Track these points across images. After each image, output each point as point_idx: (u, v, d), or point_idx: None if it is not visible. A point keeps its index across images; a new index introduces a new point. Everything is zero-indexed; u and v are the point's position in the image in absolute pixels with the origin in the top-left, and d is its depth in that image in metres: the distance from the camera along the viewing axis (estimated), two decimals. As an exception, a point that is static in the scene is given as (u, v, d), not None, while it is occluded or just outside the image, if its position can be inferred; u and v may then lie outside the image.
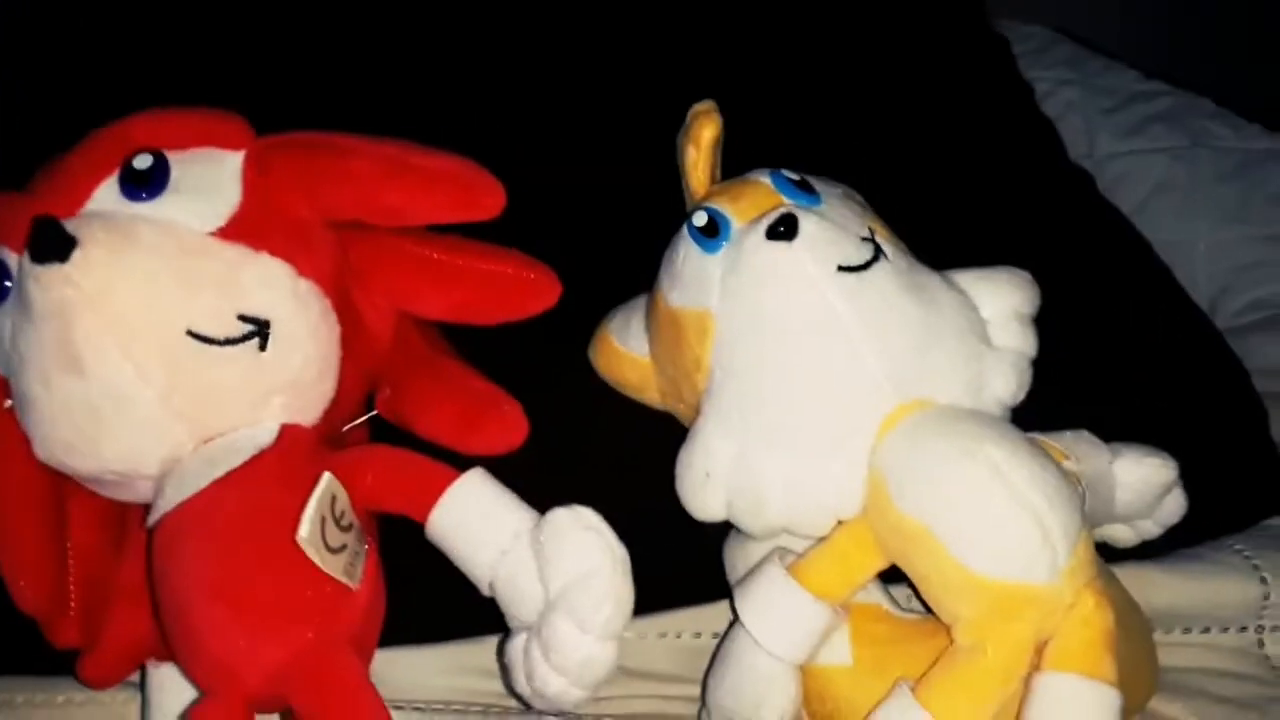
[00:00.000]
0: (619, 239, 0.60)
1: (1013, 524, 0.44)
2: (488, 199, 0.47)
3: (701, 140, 0.55)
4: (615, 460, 0.55)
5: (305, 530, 0.41)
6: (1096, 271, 0.71)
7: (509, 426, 0.49)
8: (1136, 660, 0.50)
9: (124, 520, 0.50)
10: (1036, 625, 0.45)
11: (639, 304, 0.57)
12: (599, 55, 0.77)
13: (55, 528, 0.47)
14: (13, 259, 0.44)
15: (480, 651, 0.55)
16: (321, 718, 0.41)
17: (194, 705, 0.42)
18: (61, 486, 0.47)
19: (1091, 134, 0.93)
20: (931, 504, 0.46)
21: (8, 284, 0.45)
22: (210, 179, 0.46)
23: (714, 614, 0.57)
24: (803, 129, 0.75)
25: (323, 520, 0.42)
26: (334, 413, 0.49)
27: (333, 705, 0.41)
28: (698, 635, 0.57)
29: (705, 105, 0.56)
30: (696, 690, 0.56)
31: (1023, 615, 0.45)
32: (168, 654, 0.47)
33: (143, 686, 0.49)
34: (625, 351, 0.57)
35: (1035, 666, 0.45)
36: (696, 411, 0.52)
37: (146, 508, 0.47)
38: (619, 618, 0.43)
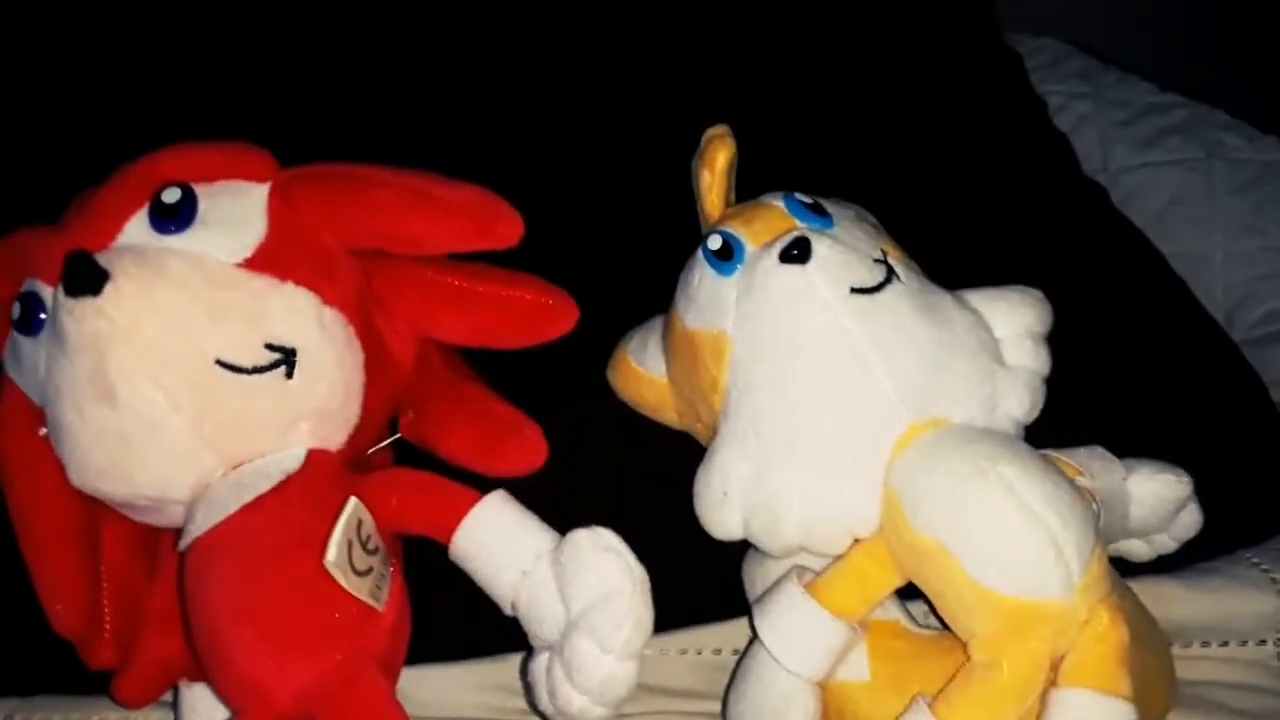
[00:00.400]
0: (634, 259, 0.61)
1: (1026, 541, 0.45)
2: (506, 228, 0.48)
3: (716, 164, 0.56)
4: (634, 481, 0.56)
5: (333, 554, 0.42)
6: (1111, 286, 0.71)
7: (529, 449, 0.50)
8: (1153, 674, 0.51)
9: (156, 544, 0.51)
10: (1051, 641, 0.45)
11: (656, 325, 0.58)
12: (614, 73, 0.78)
13: (90, 551, 0.48)
14: (47, 292, 0.46)
15: (505, 669, 0.55)
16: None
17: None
18: (95, 511, 0.49)
19: (1106, 147, 0.93)
20: (946, 522, 0.46)
21: (42, 316, 0.46)
22: (237, 211, 0.47)
23: (733, 631, 0.58)
24: (815, 145, 0.75)
25: (349, 544, 0.43)
26: (359, 437, 0.50)
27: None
28: (718, 652, 0.58)
29: (719, 130, 0.57)
30: (716, 706, 0.57)
31: (1038, 631, 0.45)
32: (199, 674, 0.48)
33: (175, 706, 0.50)
34: (643, 372, 0.58)
35: (1051, 682, 0.45)
36: (713, 432, 0.53)
37: (177, 532, 0.48)
38: (639, 638, 0.44)
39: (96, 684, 0.55)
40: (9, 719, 0.56)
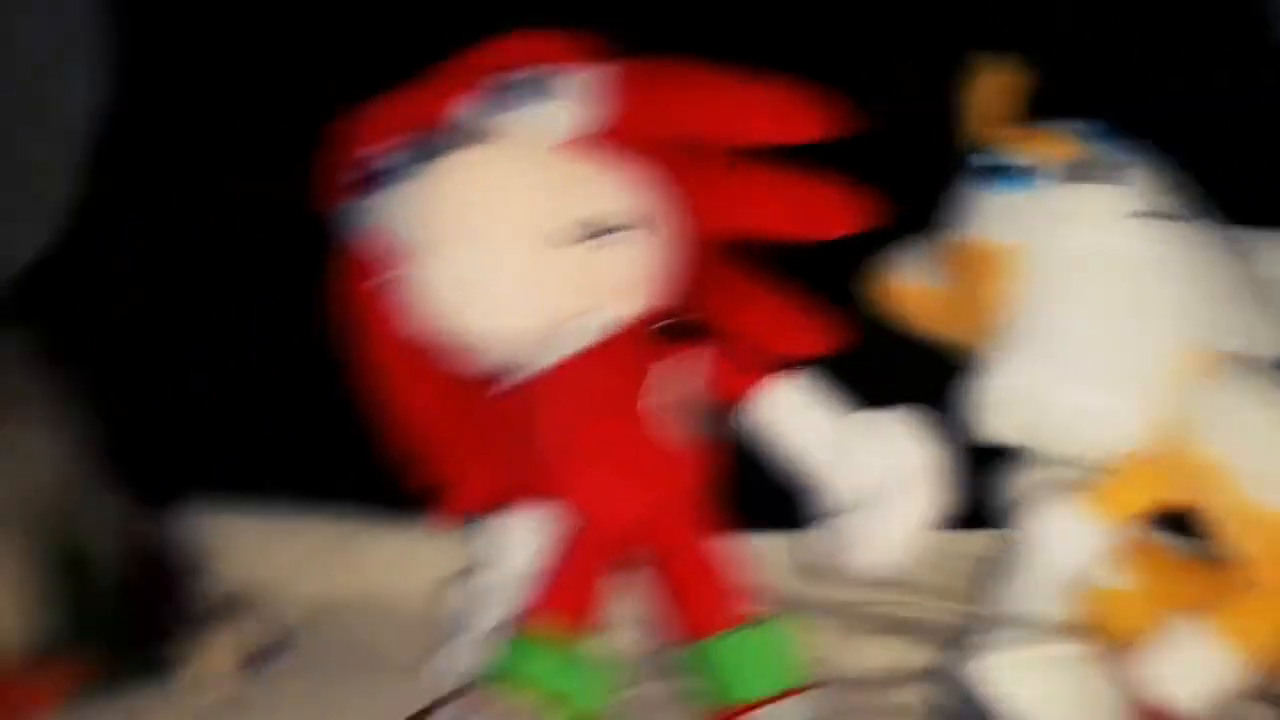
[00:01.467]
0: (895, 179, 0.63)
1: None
2: (833, 119, 0.51)
3: (1000, 85, 0.57)
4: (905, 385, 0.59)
5: (669, 393, 0.47)
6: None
7: (824, 332, 0.53)
8: None
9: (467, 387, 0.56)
10: (1327, 563, 0.47)
11: (926, 241, 0.60)
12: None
13: (426, 383, 0.54)
14: (405, 153, 0.51)
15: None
16: (681, 560, 0.46)
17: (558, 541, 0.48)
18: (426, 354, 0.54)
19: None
20: (1232, 444, 0.48)
21: (395, 174, 0.51)
22: (573, 95, 0.52)
23: (979, 540, 0.60)
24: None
25: (672, 392, 0.48)
26: (661, 310, 0.54)
27: (690, 549, 0.46)
28: (959, 557, 0.61)
29: (1001, 55, 0.59)
30: (955, 604, 0.60)
31: (1313, 552, 0.47)
32: (511, 503, 0.54)
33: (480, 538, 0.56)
34: (913, 285, 0.60)
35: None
36: (990, 342, 0.55)
37: (489, 378, 0.53)
38: (938, 503, 0.48)
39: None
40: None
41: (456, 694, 0.49)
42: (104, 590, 0.57)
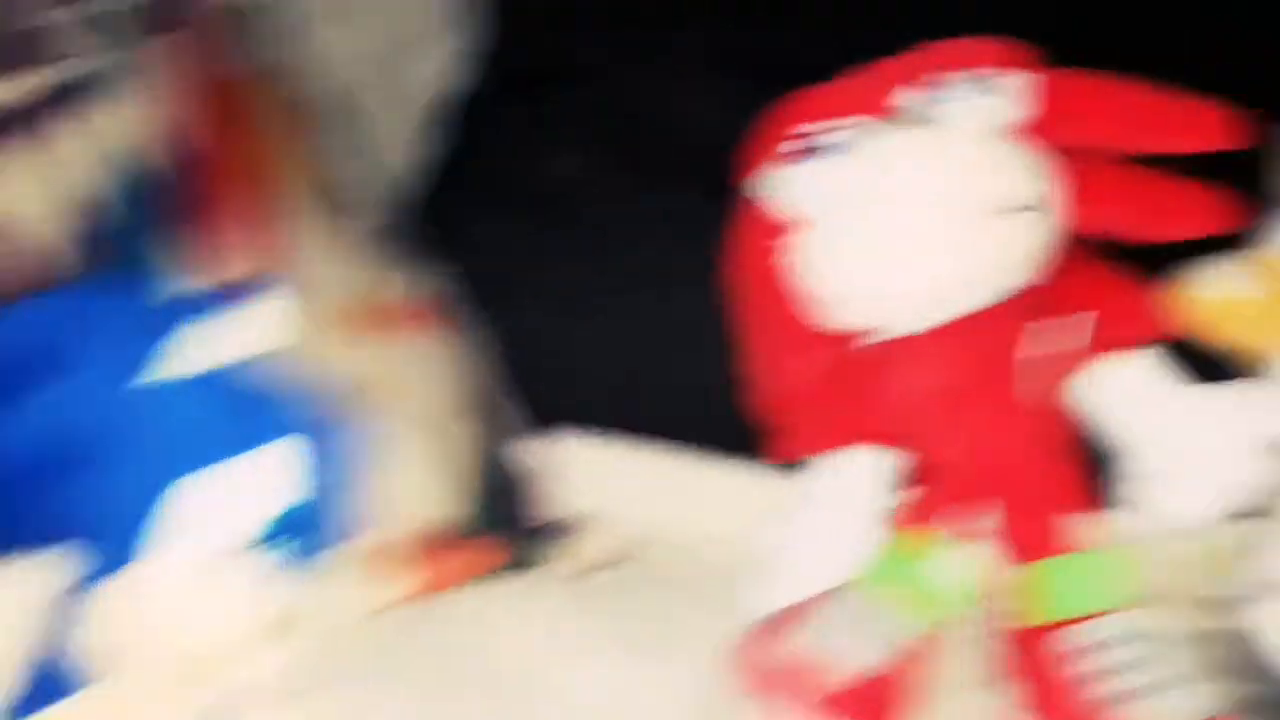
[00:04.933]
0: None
1: None
2: (1239, 130, 0.60)
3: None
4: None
5: (1028, 364, 0.57)
6: None
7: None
8: None
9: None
10: None
11: (1228, 255, 0.65)
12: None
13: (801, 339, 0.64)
14: (844, 129, 0.61)
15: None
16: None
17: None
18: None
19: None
20: None
21: (833, 146, 0.61)
22: (1001, 93, 0.61)
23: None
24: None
25: (1041, 359, 0.59)
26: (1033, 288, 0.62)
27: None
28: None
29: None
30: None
31: None
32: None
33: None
34: (1221, 298, 0.66)
35: None
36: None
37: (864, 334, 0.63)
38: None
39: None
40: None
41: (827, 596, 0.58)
42: (508, 487, 0.68)
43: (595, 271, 0.76)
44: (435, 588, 0.64)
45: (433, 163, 0.85)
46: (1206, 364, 0.64)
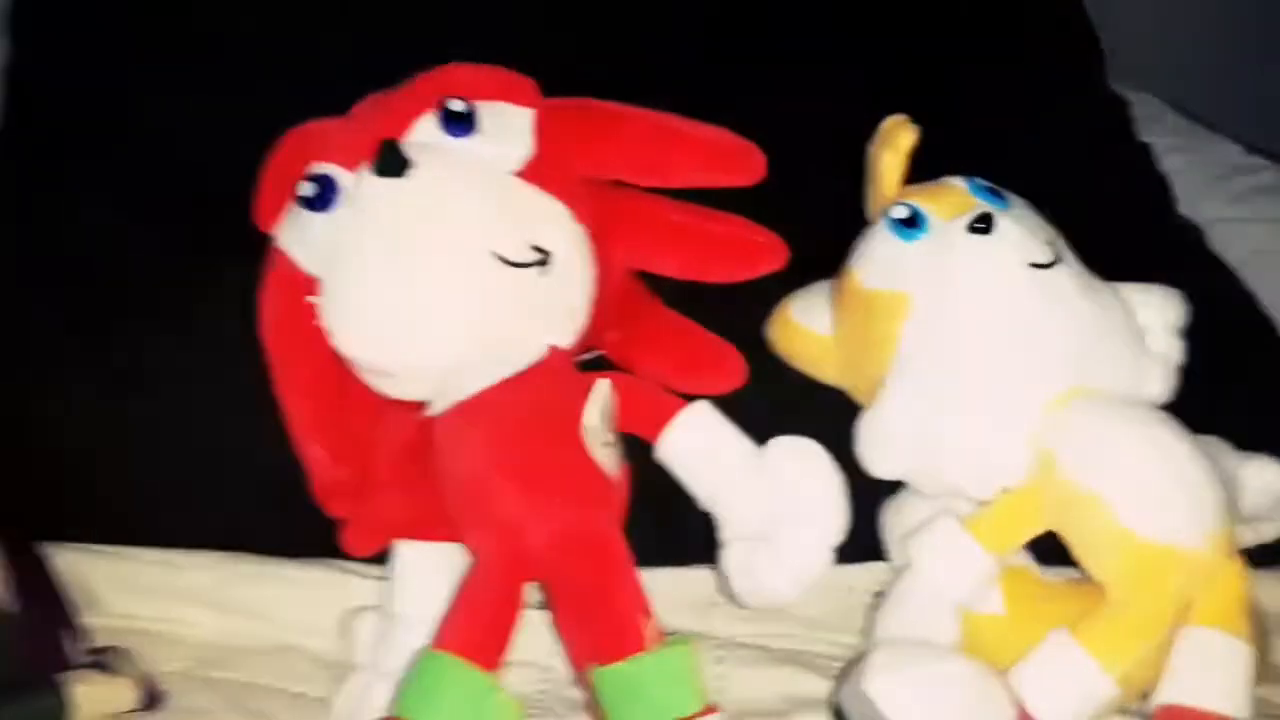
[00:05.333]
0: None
1: (1173, 492, 0.51)
2: (752, 165, 0.54)
3: (900, 147, 0.62)
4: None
5: (592, 419, 0.48)
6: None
7: (731, 371, 0.56)
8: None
9: (382, 416, 0.56)
10: (1184, 584, 0.51)
11: (820, 287, 0.64)
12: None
13: (340, 413, 0.54)
14: (344, 175, 0.52)
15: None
16: (594, 584, 0.48)
17: (470, 571, 0.49)
18: (344, 380, 0.55)
19: (1195, 200, 1.00)
20: (1100, 471, 0.52)
21: (333, 195, 0.52)
22: (508, 128, 0.54)
23: (866, 574, 0.63)
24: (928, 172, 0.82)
25: (598, 418, 0.49)
26: (579, 343, 0.56)
27: (607, 574, 0.48)
28: (850, 590, 0.64)
29: (900, 118, 0.63)
30: (845, 638, 0.62)
31: (1174, 573, 0.51)
32: (417, 534, 0.54)
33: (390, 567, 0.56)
34: (807, 329, 0.64)
35: (1181, 622, 0.51)
36: (876, 384, 0.59)
37: (405, 405, 0.54)
38: (839, 530, 0.50)
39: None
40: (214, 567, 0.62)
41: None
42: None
43: (120, 342, 0.65)
44: None
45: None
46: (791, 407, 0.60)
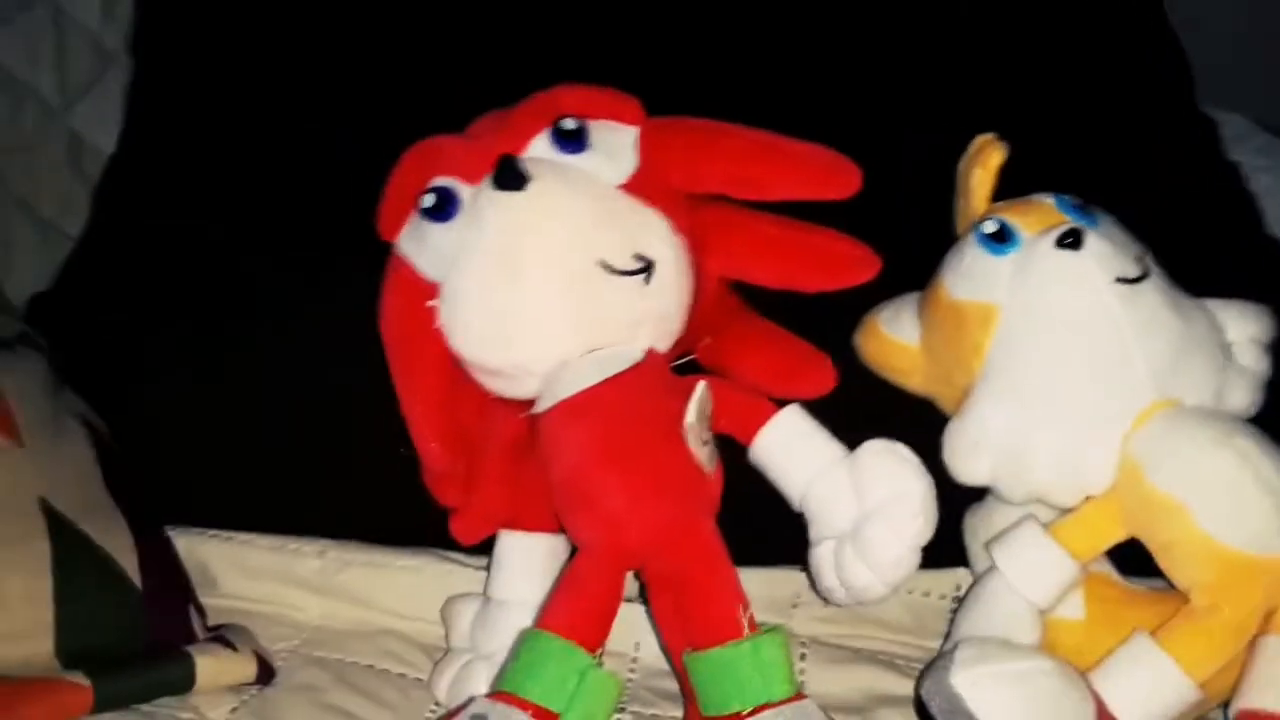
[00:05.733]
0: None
1: (1258, 502, 0.52)
2: (847, 179, 0.57)
3: (990, 164, 0.64)
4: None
5: (691, 417, 0.51)
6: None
7: (821, 376, 0.58)
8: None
9: (491, 413, 0.60)
10: (1267, 592, 0.52)
11: (908, 298, 0.66)
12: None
13: (453, 410, 0.58)
14: (464, 188, 0.56)
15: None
16: (693, 574, 0.50)
17: (574, 559, 0.52)
18: (457, 379, 0.58)
19: (1281, 219, 1.00)
20: (1185, 481, 0.54)
21: (453, 207, 0.56)
22: (616, 144, 0.57)
23: (946, 579, 0.65)
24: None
25: (697, 417, 0.52)
26: (674, 349, 0.59)
27: (705, 564, 0.50)
28: (927, 594, 0.65)
29: (990, 136, 0.65)
30: (922, 640, 0.64)
31: (1257, 581, 0.52)
32: (520, 524, 0.58)
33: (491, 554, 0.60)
34: (894, 339, 0.65)
35: (1261, 630, 0.53)
36: (964, 394, 0.61)
37: (510, 404, 0.57)
38: (928, 530, 0.52)
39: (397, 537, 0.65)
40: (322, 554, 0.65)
41: (459, 710, 0.51)
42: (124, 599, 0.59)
43: (241, 346, 0.69)
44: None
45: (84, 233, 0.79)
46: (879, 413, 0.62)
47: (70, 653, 0.55)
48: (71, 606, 0.56)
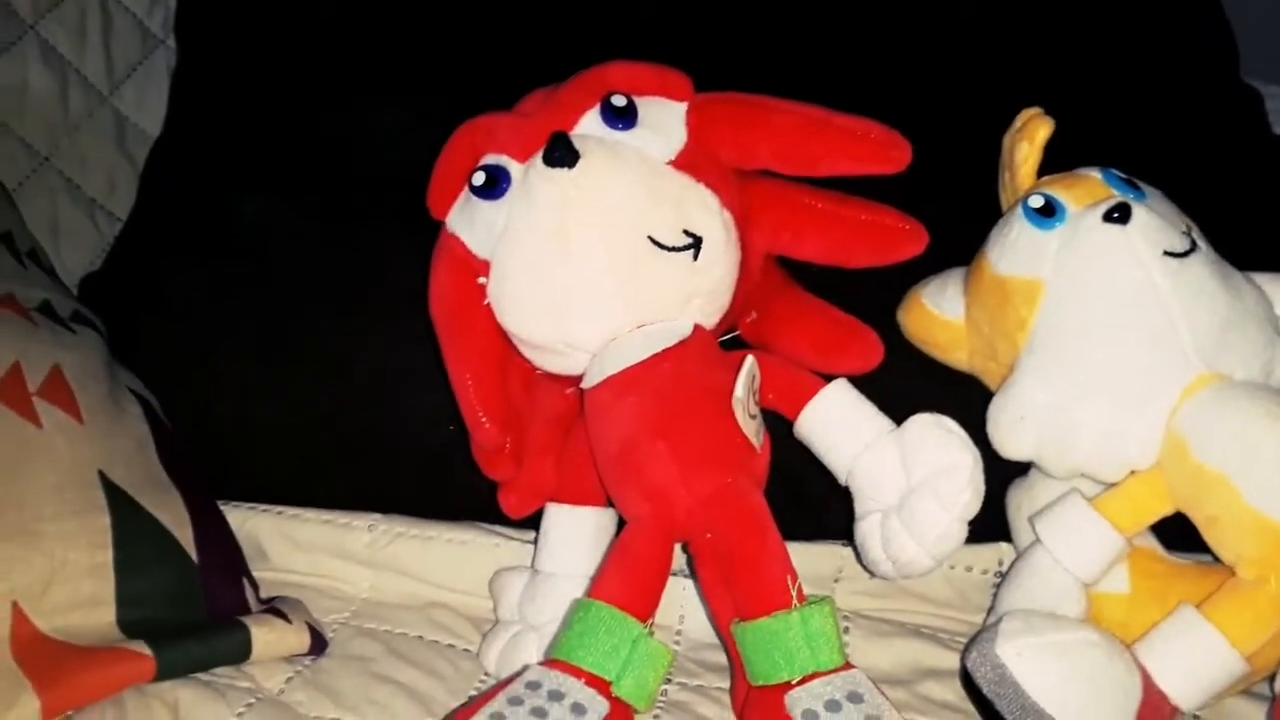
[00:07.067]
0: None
1: (1306, 476, 0.52)
2: (900, 154, 0.57)
3: (1036, 138, 0.64)
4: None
5: (740, 391, 0.52)
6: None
7: (868, 350, 0.59)
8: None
9: (537, 390, 0.61)
10: (1315, 568, 0.53)
11: (953, 273, 0.66)
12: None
13: (504, 383, 0.58)
14: (514, 166, 0.56)
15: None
16: (742, 545, 0.51)
17: (625, 531, 0.53)
18: (506, 355, 0.59)
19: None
20: (1232, 455, 0.54)
21: (504, 184, 0.56)
22: (665, 120, 0.57)
23: (988, 553, 0.65)
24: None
25: (746, 391, 0.53)
26: (721, 323, 0.59)
27: (754, 535, 0.51)
28: (969, 569, 0.66)
29: (1036, 110, 0.65)
30: (966, 615, 0.65)
31: (1305, 556, 0.52)
32: (567, 497, 0.59)
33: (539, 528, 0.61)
34: (938, 314, 0.66)
35: (1308, 604, 0.53)
36: (1008, 369, 0.61)
37: (561, 379, 0.58)
38: (976, 503, 0.53)
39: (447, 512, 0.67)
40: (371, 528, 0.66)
41: (513, 679, 0.52)
42: (181, 571, 0.60)
43: (290, 323, 0.70)
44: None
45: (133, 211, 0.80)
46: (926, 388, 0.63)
47: (130, 623, 0.57)
48: (131, 578, 0.57)
